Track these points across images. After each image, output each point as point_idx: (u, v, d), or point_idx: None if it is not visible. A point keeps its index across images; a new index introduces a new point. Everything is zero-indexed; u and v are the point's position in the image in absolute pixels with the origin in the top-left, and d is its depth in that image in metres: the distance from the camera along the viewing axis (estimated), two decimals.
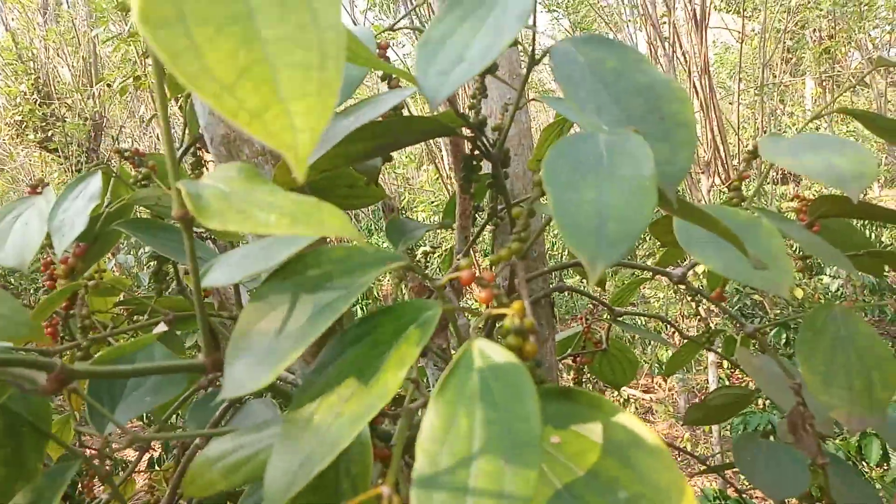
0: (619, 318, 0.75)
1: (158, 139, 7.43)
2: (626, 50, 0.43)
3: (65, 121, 5.45)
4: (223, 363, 0.37)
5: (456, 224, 0.62)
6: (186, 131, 0.67)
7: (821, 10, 4.69)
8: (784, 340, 3.46)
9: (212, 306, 0.78)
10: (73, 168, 5.35)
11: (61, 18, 6.00)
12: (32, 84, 5.39)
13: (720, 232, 0.33)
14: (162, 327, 0.47)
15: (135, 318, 0.71)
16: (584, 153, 0.32)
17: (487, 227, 0.61)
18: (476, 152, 0.52)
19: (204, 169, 0.68)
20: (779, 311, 3.42)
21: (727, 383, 3.22)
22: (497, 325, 0.53)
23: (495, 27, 0.39)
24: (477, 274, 0.33)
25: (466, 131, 0.52)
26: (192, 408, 0.66)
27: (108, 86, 3.97)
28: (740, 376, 3.34)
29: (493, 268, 0.40)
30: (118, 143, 6.54)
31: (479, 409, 0.26)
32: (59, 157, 5.47)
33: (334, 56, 0.22)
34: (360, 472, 0.40)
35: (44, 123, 5.33)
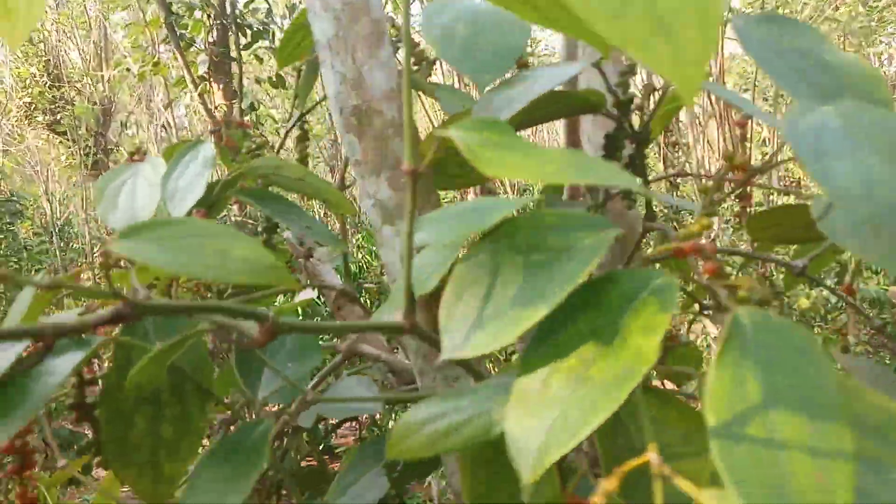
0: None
1: (163, 127, 7.40)
2: (808, 29, 0.42)
3: (73, 104, 5.42)
4: (417, 325, 0.36)
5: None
6: (294, 105, 0.66)
7: (839, 21, 4.70)
8: None
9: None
10: (82, 151, 5.31)
11: (73, 2, 5.96)
12: (43, 66, 5.35)
13: None
14: (307, 294, 0.46)
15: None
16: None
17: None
18: (618, 131, 0.51)
19: (307, 142, 0.67)
20: None
21: None
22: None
23: None
24: (699, 243, 0.32)
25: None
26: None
27: (127, 70, 3.94)
28: None
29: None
30: (125, 129, 6.50)
31: (763, 371, 0.25)
32: (67, 140, 5.43)
33: None
34: None
35: (53, 106, 5.30)
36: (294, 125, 0.65)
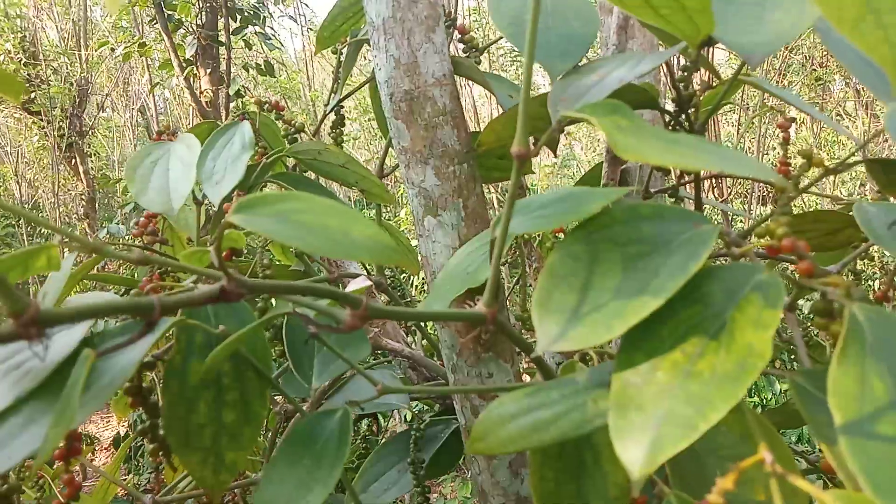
0: None
1: (140, 112, 7.24)
2: None
3: (49, 84, 5.27)
4: (498, 318, 0.35)
5: None
6: (333, 89, 0.65)
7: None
8: None
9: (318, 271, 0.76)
10: (55, 133, 5.17)
11: None
12: (18, 43, 5.19)
13: None
14: (362, 282, 0.45)
15: None
16: None
17: None
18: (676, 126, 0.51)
19: (343, 127, 0.65)
20: None
21: None
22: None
23: None
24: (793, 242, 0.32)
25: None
26: (285, 378, 0.64)
27: (112, 50, 3.84)
28: None
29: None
30: (102, 111, 6.35)
31: (888, 368, 0.25)
32: (41, 120, 5.28)
33: None
34: (605, 440, 0.38)
35: (27, 84, 5.14)
36: (332, 109, 0.63)
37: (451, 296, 0.47)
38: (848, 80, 5.55)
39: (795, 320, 0.41)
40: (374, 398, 0.37)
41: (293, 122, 0.61)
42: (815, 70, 5.33)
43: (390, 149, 0.65)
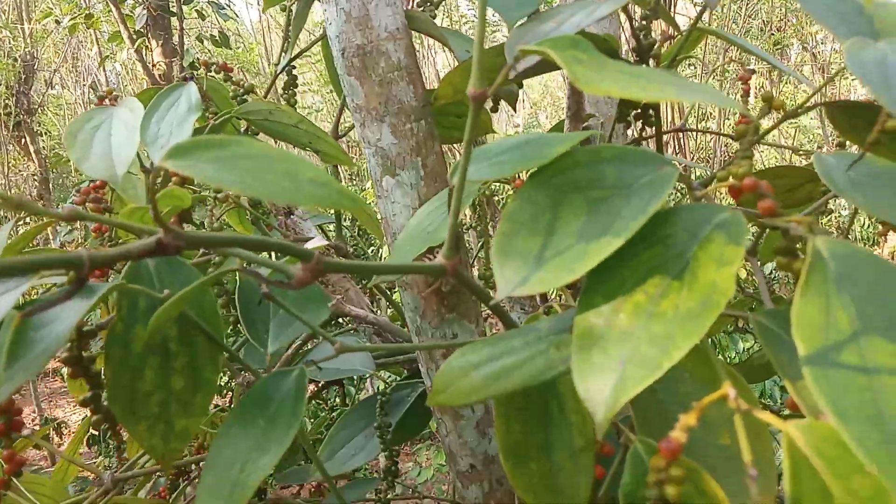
0: None
1: (92, 88, 6.97)
2: None
3: None
4: (458, 269, 0.34)
5: None
6: (284, 48, 0.62)
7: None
8: None
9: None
10: (1, 111, 4.95)
11: None
12: None
13: None
14: (317, 242, 0.43)
15: None
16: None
17: None
18: None
19: (295, 88, 0.63)
20: None
21: None
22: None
23: None
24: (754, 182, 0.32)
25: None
26: (247, 349, 0.63)
27: (57, 22, 3.67)
28: None
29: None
30: (50, 88, 6.10)
31: (850, 299, 0.25)
32: None
33: None
34: (570, 389, 0.38)
35: None
36: (283, 69, 0.61)
37: (413, 255, 0.46)
38: (805, 45, 5.63)
39: (757, 265, 0.41)
40: (332, 357, 0.36)
41: (242, 82, 0.58)
42: (773, 34, 5.39)
43: (345, 109, 0.63)
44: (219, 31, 3.29)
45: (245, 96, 0.58)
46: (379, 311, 0.87)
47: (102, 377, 0.38)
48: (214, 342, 0.37)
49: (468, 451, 0.62)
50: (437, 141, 0.56)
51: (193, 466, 0.74)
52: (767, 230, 0.47)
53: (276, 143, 0.61)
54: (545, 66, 0.49)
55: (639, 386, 0.26)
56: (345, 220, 0.80)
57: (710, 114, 4.75)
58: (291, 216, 0.73)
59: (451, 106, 0.64)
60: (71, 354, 0.37)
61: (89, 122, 0.58)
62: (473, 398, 0.31)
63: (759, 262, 0.44)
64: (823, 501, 0.22)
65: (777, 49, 5.42)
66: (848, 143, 0.49)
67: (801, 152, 0.60)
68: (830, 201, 0.54)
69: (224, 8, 3.19)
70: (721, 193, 0.62)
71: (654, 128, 0.52)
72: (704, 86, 0.26)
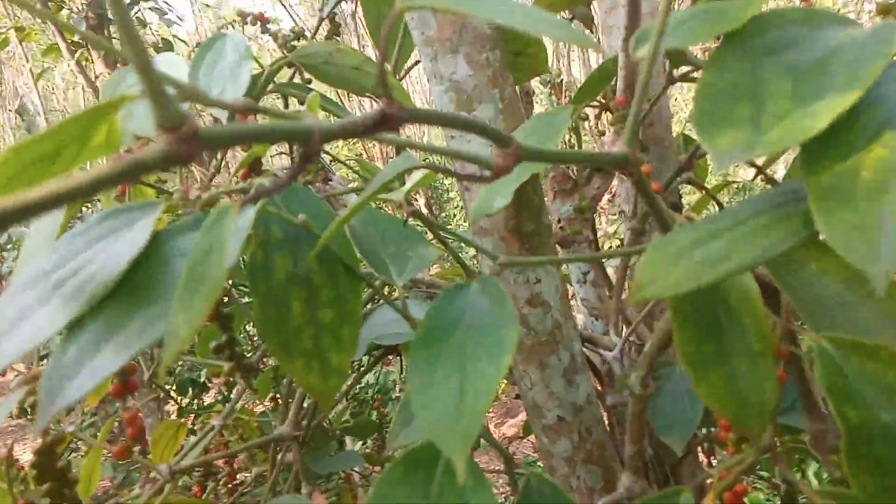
0: None
1: (19, 113, 6.60)
2: None
3: None
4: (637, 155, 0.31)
5: None
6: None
7: None
8: None
9: None
10: None
11: None
12: None
13: None
14: (418, 175, 0.40)
15: None
16: None
17: None
18: None
19: (338, 36, 0.59)
20: None
21: None
22: None
23: None
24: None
25: None
26: None
27: None
28: None
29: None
30: None
31: None
32: None
33: None
34: (739, 293, 0.36)
35: None
36: (329, 13, 0.57)
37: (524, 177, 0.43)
38: None
39: None
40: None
41: (291, 31, 0.53)
42: None
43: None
44: (162, 39, 3.16)
45: (293, 41, 0.53)
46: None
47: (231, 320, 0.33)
48: (353, 273, 0.34)
49: (556, 401, 0.59)
50: (508, 71, 0.53)
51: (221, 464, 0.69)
52: None
53: (333, 91, 0.57)
54: None
55: None
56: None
57: None
58: (330, 181, 0.69)
59: (510, 43, 0.61)
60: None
61: (124, 82, 0.53)
62: (688, 286, 0.28)
63: None
64: None
65: None
66: None
67: None
68: None
69: (167, 13, 3.07)
70: None
71: None
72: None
